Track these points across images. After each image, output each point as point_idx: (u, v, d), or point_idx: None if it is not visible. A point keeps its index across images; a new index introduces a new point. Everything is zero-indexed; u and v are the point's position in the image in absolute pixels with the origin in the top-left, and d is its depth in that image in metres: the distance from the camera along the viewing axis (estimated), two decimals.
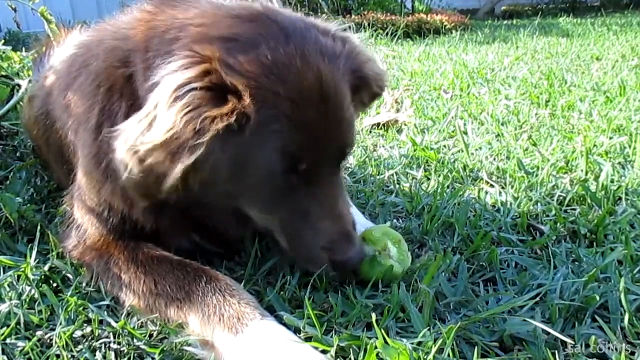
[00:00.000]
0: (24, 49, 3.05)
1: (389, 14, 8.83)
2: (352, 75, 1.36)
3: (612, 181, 2.01)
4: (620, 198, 1.91)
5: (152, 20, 1.34)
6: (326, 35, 1.34)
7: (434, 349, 1.12)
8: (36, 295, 1.42)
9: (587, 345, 1.20)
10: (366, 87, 1.47)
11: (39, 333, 1.30)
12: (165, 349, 1.24)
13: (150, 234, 1.47)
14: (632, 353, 1.17)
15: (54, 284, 1.50)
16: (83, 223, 1.53)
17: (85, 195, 1.50)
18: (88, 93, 1.39)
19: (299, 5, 8.46)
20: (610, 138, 2.53)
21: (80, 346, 1.27)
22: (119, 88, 1.34)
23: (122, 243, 1.47)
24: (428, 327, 1.23)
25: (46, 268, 1.52)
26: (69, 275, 1.52)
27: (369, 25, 7.60)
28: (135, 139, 1.14)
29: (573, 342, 1.20)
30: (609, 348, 1.19)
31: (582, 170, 2.14)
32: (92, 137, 1.38)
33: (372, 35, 7.10)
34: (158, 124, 1.12)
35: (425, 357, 1.12)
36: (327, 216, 1.33)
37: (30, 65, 2.74)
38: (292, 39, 1.23)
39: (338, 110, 1.28)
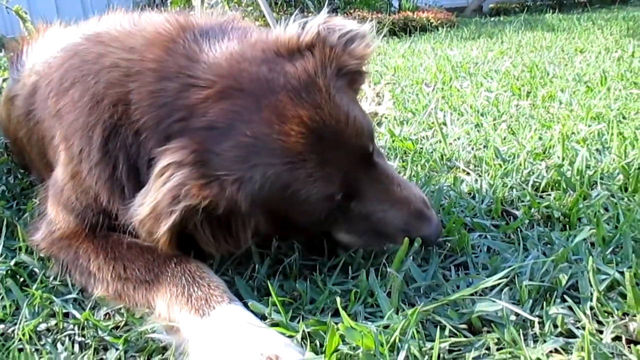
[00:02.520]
0: (3, 50, 3.02)
1: (375, 12, 8.84)
2: (340, 75, 1.35)
3: (588, 167, 2.01)
4: (595, 182, 1.91)
5: (164, 63, 1.32)
6: (293, 56, 1.31)
7: (398, 330, 1.10)
8: (1, 291, 1.40)
9: (556, 326, 1.19)
10: (358, 75, 1.49)
11: (1, 327, 1.28)
12: (129, 339, 1.22)
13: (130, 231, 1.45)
14: (600, 332, 1.16)
15: (21, 279, 1.48)
16: (56, 217, 1.52)
17: (65, 191, 1.48)
18: (86, 109, 1.37)
19: (285, 5, 8.47)
20: (589, 126, 2.53)
21: (45, 340, 1.25)
22: (124, 126, 1.33)
23: (92, 233, 1.46)
24: (396, 311, 1.22)
25: (12, 263, 1.50)
26: (36, 269, 1.50)
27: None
28: (136, 210, 1.24)
29: (541, 322, 1.19)
30: (577, 327, 1.18)
31: (558, 157, 2.14)
32: (95, 150, 1.37)
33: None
34: (148, 198, 1.22)
35: (389, 339, 1.11)
36: (392, 205, 1.37)
37: (6, 65, 2.72)
38: (262, 101, 1.23)
39: (338, 132, 1.27)
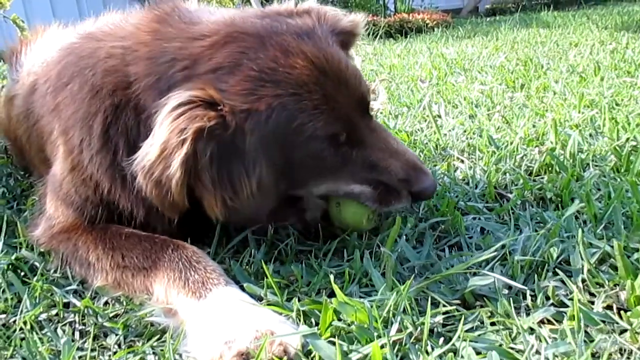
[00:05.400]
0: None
1: (371, 15, 8.88)
2: (335, 37, 1.43)
3: (580, 150, 2.03)
4: (588, 164, 1.92)
5: (160, 32, 1.37)
6: (291, 16, 1.40)
7: (390, 304, 1.12)
8: (2, 284, 1.42)
9: (548, 298, 1.20)
10: (350, 37, 1.56)
11: (2, 316, 1.30)
12: (128, 324, 1.24)
13: (129, 222, 1.47)
14: (592, 302, 1.18)
15: (22, 273, 1.50)
16: (55, 212, 1.54)
17: (64, 185, 1.50)
18: (86, 100, 1.40)
19: None
20: (582, 113, 2.55)
21: (46, 329, 1.27)
22: (126, 108, 1.36)
23: (91, 225, 1.48)
24: (391, 289, 1.24)
25: (13, 257, 1.52)
26: (36, 264, 1.52)
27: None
28: (143, 159, 1.22)
29: (533, 294, 1.21)
30: (570, 299, 1.19)
31: (551, 142, 2.16)
32: (95, 138, 1.39)
33: None
34: (156, 139, 1.21)
35: (382, 314, 1.12)
36: (391, 155, 1.41)
37: (5, 74, 2.75)
38: (267, 40, 1.29)
39: (340, 73, 1.34)
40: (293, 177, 1.38)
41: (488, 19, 10.78)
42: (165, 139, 1.19)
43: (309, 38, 1.34)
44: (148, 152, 1.21)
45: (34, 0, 7.21)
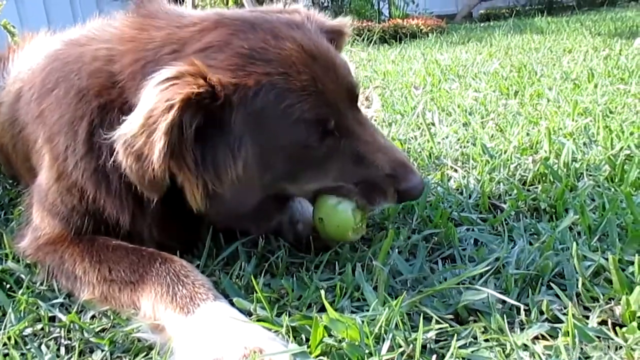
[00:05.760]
0: None
1: (365, 20, 8.88)
2: (324, 34, 1.43)
3: (574, 159, 2.02)
4: (582, 174, 1.91)
5: (146, 28, 1.36)
6: (281, 14, 1.43)
7: (382, 320, 1.10)
8: None
9: (542, 312, 1.19)
10: (338, 35, 1.56)
11: None
12: (114, 339, 1.22)
13: (115, 232, 1.45)
14: (587, 317, 1.16)
15: (7, 286, 1.47)
16: (42, 222, 1.52)
17: (49, 195, 1.48)
18: (71, 105, 1.38)
19: None
20: (576, 121, 2.54)
21: (31, 344, 1.24)
22: (111, 107, 1.34)
23: (77, 237, 1.45)
24: (382, 304, 1.21)
25: None
26: (22, 276, 1.49)
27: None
28: (125, 131, 1.18)
29: (527, 309, 1.19)
30: (564, 314, 1.17)
31: (545, 151, 2.14)
32: (80, 144, 1.37)
33: (348, 42, 7.13)
34: (140, 109, 1.17)
35: (373, 330, 1.10)
36: (378, 149, 1.37)
37: None
38: (257, 25, 1.30)
39: (329, 60, 1.33)
40: (279, 168, 1.33)
41: (482, 24, 10.81)
42: (152, 107, 1.14)
43: (299, 28, 1.34)
44: (131, 122, 1.17)
45: (27, 4, 7.18)
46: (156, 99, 1.15)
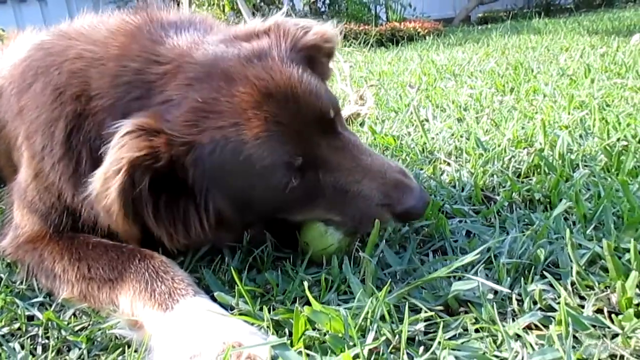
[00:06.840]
0: None
1: (363, 24, 8.88)
2: (297, 53, 1.34)
3: (570, 150, 1.98)
4: (577, 165, 1.87)
5: (127, 48, 1.33)
6: (250, 39, 1.34)
7: (366, 311, 1.06)
8: None
9: (535, 302, 1.14)
10: (316, 51, 1.46)
11: None
12: (92, 337, 1.18)
13: (95, 229, 1.41)
14: (581, 306, 1.11)
15: None
16: (22, 220, 1.49)
17: (28, 193, 1.45)
18: (47, 104, 1.35)
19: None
20: (572, 114, 2.50)
21: (4, 344, 1.20)
22: (85, 117, 1.32)
23: (57, 234, 1.42)
24: (370, 296, 1.17)
25: None
26: (1, 275, 1.46)
27: (342, 36, 7.61)
28: (92, 187, 1.19)
29: (520, 299, 1.14)
30: (558, 303, 1.13)
31: (540, 143, 2.10)
32: (57, 145, 1.35)
33: (345, 45, 7.12)
34: (100, 169, 1.18)
35: (358, 321, 1.06)
36: (364, 175, 1.27)
37: None
38: (213, 70, 1.23)
39: (289, 91, 1.23)
40: (259, 209, 1.30)
41: (480, 27, 10.81)
42: (105, 169, 1.16)
43: (259, 60, 1.25)
44: (94, 181, 1.18)
45: (24, 8, 7.19)
46: (110, 159, 1.15)
